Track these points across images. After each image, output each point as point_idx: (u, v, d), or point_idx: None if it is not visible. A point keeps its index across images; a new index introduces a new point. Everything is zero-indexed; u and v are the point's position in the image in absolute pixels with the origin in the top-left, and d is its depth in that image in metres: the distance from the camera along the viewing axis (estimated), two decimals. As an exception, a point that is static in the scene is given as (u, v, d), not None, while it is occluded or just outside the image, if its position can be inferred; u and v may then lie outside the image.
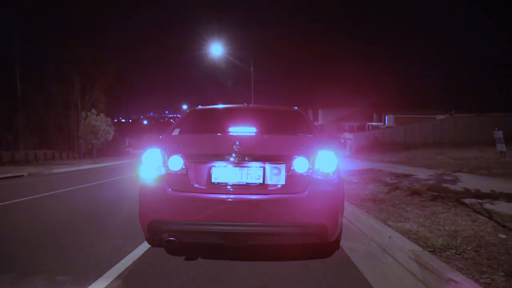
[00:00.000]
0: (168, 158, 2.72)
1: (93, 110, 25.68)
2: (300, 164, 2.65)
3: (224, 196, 2.59)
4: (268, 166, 2.63)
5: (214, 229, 2.59)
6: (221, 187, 2.62)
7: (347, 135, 21.08)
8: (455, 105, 23.58)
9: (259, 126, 3.45)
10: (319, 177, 2.65)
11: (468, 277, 2.21)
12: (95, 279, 2.57)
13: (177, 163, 2.70)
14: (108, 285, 2.48)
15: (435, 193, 5.14)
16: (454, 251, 2.69)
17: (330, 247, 3.08)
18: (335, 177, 2.72)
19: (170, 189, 2.65)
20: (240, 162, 2.63)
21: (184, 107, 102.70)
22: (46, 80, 36.46)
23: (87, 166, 19.34)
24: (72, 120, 36.53)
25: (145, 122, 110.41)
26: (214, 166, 2.65)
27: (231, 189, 2.61)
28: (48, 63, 37.47)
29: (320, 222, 2.61)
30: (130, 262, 2.92)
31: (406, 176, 7.69)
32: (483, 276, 2.26)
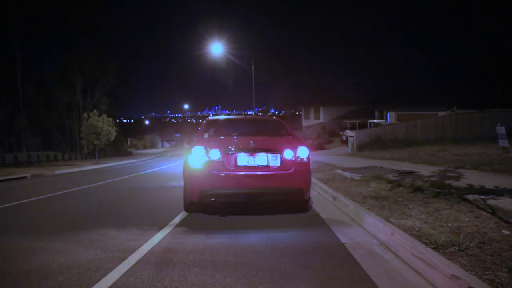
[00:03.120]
0: (209, 151, 4.40)
1: (94, 111, 25.71)
2: (288, 154, 4.50)
3: (245, 173, 4.36)
4: (270, 155, 4.46)
5: (239, 192, 4.38)
6: (243, 168, 4.39)
7: (349, 132, 21.03)
8: (457, 101, 23.45)
9: (258, 130, 5.33)
10: (299, 161, 4.52)
11: (471, 274, 2.20)
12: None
13: (216, 154, 4.39)
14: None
15: (437, 190, 5.13)
16: (457, 247, 2.68)
17: (304, 203, 4.89)
18: (307, 161, 4.61)
19: (214, 171, 4.34)
20: (253, 153, 4.43)
21: (186, 106, 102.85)
22: (48, 82, 36.61)
23: (90, 167, 19.40)
24: (74, 121, 36.64)
25: (146, 122, 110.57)
26: (238, 155, 4.40)
27: (249, 169, 4.40)
28: (50, 64, 37.60)
29: (300, 187, 4.50)
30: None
31: (409, 173, 7.67)
32: (487, 272, 2.25)
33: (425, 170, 7.89)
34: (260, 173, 4.40)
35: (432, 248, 2.69)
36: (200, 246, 3.34)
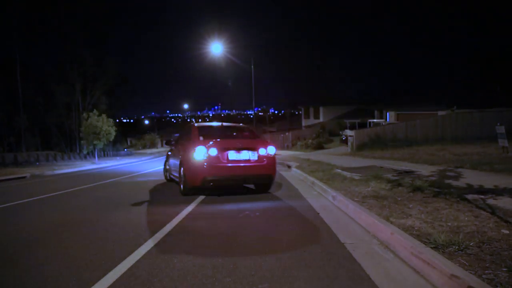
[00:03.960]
0: (208, 149, 6.03)
1: (94, 111, 25.69)
2: (262, 151, 6.36)
3: (234, 165, 6.13)
4: (250, 152, 6.28)
5: (230, 177, 6.18)
6: (232, 161, 6.13)
7: (348, 132, 21.03)
8: (456, 100, 23.47)
9: (236, 134, 7.48)
10: (269, 156, 6.41)
11: (470, 273, 2.20)
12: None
13: (214, 151, 6.04)
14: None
15: (437, 189, 5.13)
16: (456, 247, 2.68)
17: (271, 184, 6.87)
18: (274, 155, 6.55)
19: (212, 163, 6.00)
20: (240, 150, 6.21)
21: (185, 106, 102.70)
22: (48, 81, 36.54)
23: (89, 167, 19.39)
24: (73, 121, 36.59)
25: (146, 121, 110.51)
26: (229, 152, 6.13)
27: (236, 162, 6.16)
28: (49, 64, 37.54)
29: (270, 173, 6.46)
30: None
31: (408, 172, 7.67)
32: (486, 272, 2.25)
33: (424, 170, 7.89)
34: (243, 164, 6.23)
35: (431, 247, 2.69)
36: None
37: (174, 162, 7.90)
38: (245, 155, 6.24)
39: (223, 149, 6.11)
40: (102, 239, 3.68)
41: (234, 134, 7.44)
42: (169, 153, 9.09)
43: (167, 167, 9.12)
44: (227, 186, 6.83)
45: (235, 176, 6.23)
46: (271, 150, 6.49)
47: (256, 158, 6.30)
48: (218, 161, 6.04)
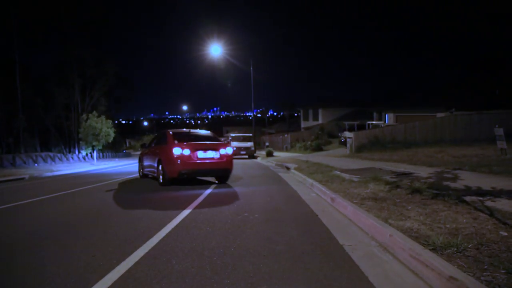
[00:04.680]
0: (183, 149, 7.99)
1: (94, 112, 25.68)
2: (223, 151, 8.41)
3: (202, 161, 8.13)
4: (214, 151, 8.29)
5: (199, 171, 8.29)
6: (201, 159, 8.13)
7: (347, 134, 21.06)
8: (455, 103, 23.53)
9: (203, 138, 9.06)
10: (227, 154, 8.47)
11: (469, 275, 2.21)
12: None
13: (188, 151, 8.00)
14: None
15: (435, 191, 5.14)
16: (455, 249, 2.69)
17: (228, 176, 8.91)
18: (231, 154, 8.59)
19: (185, 160, 7.94)
20: (206, 151, 8.21)
21: (184, 107, 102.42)
22: (47, 82, 36.49)
23: (88, 168, 19.35)
24: (72, 122, 36.53)
25: (145, 123, 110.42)
26: (199, 152, 8.12)
27: (204, 159, 8.15)
28: (49, 65, 37.48)
29: (228, 168, 8.55)
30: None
31: (407, 174, 7.68)
32: (485, 274, 2.25)
33: (423, 172, 7.90)
34: (209, 161, 8.23)
35: (430, 249, 2.69)
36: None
37: (150, 161, 9.77)
38: (210, 154, 8.28)
39: (194, 149, 8.11)
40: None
41: (201, 138, 9.15)
42: (144, 154, 10.80)
43: (142, 165, 11.00)
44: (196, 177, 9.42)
45: (203, 170, 8.35)
46: (229, 150, 8.59)
47: (218, 156, 8.33)
48: (190, 159, 8.04)
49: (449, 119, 19.46)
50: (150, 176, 10.09)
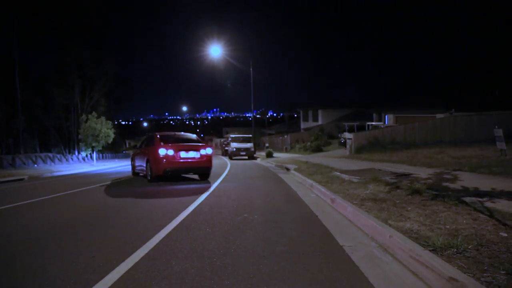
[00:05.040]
0: (167, 150, 9.05)
1: (93, 113, 25.67)
2: (202, 151, 9.46)
3: (184, 160, 9.18)
4: (195, 152, 9.35)
5: (182, 169, 9.32)
6: (184, 158, 9.20)
7: (347, 135, 21.05)
8: (455, 104, 23.53)
9: (186, 140, 10.16)
10: (207, 154, 9.55)
11: (469, 276, 2.21)
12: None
13: (172, 152, 9.07)
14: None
15: (435, 192, 5.14)
16: (455, 250, 2.69)
17: (208, 174, 10.03)
18: (211, 154, 9.73)
19: (170, 159, 9.02)
20: (188, 151, 9.28)
21: (184, 108, 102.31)
22: (46, 83, 36.47)
23: (88, 169, 19.33)
24: (72, 122, 36.52)
25: (145, 124, 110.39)
26: (181, 152, 9.17)
27: (186, 159, 9.21)
28: (49, 66, 37.43)
29: (208, 166, 9.66)
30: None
31: (407, 175, 7.68)
32: (485, 274, 2.25)
33: (423, 173, 7.91)
34: (190, 160, 9.23)
35: (430, 250, 2.69)
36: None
37: (140, 161, 10.93)
38: (192, 154, 9.32)
39: (177, 150, 9.15)
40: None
41: (184, 140, 10.17)
42: (136, 154, 11.94)
43: (134, 164, 12.01)
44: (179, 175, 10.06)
45: (185, 168, 9.36)
46: (208, 150, 9.66)
47: (198, 156, 9.37)
48: (174, 158, 9.06)
49: (449, 120, 19.47)
50: (141, 174, 11.13)
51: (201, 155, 9.34)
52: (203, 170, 9.66)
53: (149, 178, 9.51)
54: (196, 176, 10.67)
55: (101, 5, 42.26)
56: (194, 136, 10.86)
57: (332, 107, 40.58)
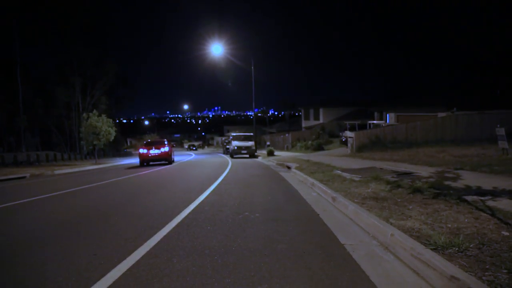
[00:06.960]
0: (144, 149, 18.88)
1: (94, 111, 25.69)
2: (163, 149, 18.94)
3: (153, 155, 18.73)
4: (159, 149, 18.85)
5: (153, 159, 18.83)
6: (153, 153, 18.75)
7: (348, 133, 21.02)
8: (456, 103, 23.48)
9: (157, 142, 20.29)
10: (166, 150, 19.00)
11: (470, 275, 2.20)
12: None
13: (146, 151, 18.71)
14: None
15: (437, 191, 5.13)
16: (456, 248, 2.68)
17: (171, 161, 19.69)
18: (168, 150, 19.17)
19: (146, 155, 18.70)
20: (156, 149, 18.80)
21: (185, 107, 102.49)
22: (48, 82, 36.54)
23: (89, 167, 19.38)
24: (73, 121, 36.59)
25: (146, 122, 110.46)
26: (152, 150, 18.76)
27: (155, 154, 18.77)
28: (50, 64, 37.51)
29: (167, 157, 19.08)
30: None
31: (408, 174, 7.67)
32: (486, 273, 2.25)
33: (424, 171, 7.89)
34: (157, 154, 18.29)
35: (431, 249, 2.69)
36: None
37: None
38: (157, 150, 18.11)
39: (149, 149, 18.05)
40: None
41: (155, 143, 19.13)
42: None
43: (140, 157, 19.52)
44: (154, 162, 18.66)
45: (154, 159, 18.15)
46: (166, 148, 18.35)
47: (160, 152, 18.13)
48: (148, 154, 18.00)
49: (450, 119, 19.43)
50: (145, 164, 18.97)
51: (163, 151, 18.23)
52: (164, 159, 18.46)
53: (138, 164, 19.01)
54: (197, 175, 10.88)
55: (102, 4, 42.23)
56: (162, 140, 20.57)
57: (334, 106, 40.54)
